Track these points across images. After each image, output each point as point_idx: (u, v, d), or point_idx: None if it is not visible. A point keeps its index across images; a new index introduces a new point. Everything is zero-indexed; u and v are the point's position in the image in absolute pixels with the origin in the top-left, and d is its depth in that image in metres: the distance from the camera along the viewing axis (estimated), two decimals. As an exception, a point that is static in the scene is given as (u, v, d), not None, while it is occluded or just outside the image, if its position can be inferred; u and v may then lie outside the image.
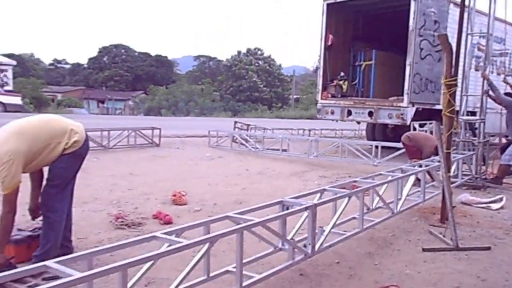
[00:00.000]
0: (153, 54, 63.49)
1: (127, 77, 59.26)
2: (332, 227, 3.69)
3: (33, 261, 3.42)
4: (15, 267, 3.07)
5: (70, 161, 3.60)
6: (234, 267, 2.91)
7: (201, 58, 65.40)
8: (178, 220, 5.10)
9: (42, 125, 3.57)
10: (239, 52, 53.26)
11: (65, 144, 3.54)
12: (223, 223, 3.26)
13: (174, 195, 5.99)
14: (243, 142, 11.78)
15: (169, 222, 4.94)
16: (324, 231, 3.59)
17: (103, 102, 51.02)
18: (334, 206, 3.87)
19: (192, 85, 49.34)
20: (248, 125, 14.10)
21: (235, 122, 14.25)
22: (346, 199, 3.84)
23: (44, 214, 3.60)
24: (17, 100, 26.54)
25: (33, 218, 3.81)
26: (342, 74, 12.27)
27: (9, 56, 37.55)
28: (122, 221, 4.85)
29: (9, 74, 30.56)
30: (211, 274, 2.95)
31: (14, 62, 33.72)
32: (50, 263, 2.23)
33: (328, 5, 11.89)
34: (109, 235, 4.52)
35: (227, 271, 3.12)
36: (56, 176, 3.56)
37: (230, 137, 12.11)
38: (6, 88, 28.99)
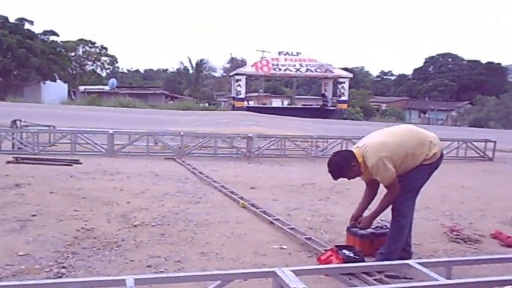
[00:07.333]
0: (484, 61, 59.45)
1: (451, 86, 57.69)
2: None
3: (377, 258, 3.69)
4: (364, 260, 3.55)
5: (425, 172, 3.70)
6: None
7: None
8: (524, 246, 4.66)
9: (406, 134, 3.72)
10: None
11: (425, 155, 3.63)
12: None
13: (519, 217, 5.46)
14: None
15: (512, 246, 4.54)
16: None
17: (424, 113, 51.90)
18: None
19: (531, 94, 42.77)
20: None
21: None
22: None
23: (395, 218, 3.72)
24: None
25: (350, 226, 3.95)
26: None
27: (344, 70, 42.11)
28: (457, 235, 4.75)
29: (346, 86, 37.29)
30: None
31: (350, 75, 39.95)
32: (413, 263, 2.32)
33: None
34: (444, 246, 4.50)
35: None
36: (411, 185, 3.68)
37: None
38: (342, 98, 36.40)
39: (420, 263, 2.20)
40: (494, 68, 57.92)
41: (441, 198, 6.61)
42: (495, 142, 11.16)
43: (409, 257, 3.77)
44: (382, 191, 3.76)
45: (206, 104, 42.74)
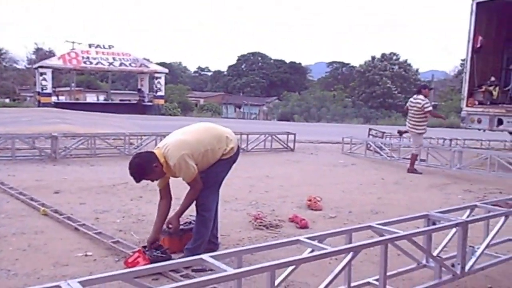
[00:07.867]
0: (287, 61, 65.59)
1: (262, 83, 62.37)
2: (485, 248, 3.40)
3: (185, 253, 3.75)
4: (171, 258, 3.63)
5: (225, 166, 3.91)
6: (376, 280, 2.86)
7: (334, 64, 65.11)
8: (313, 225, 5.17)
9: (204, 131, 3.86)
10: (373, 58, 51.16)
11: (223, 150, 3.81)
12: (364, 233, 3.20)
13: (310, 200, 6.05)
14: (378, 150, 11.37)
15: (305, 227, 5.05)
16: (475, 251, 3.33)
17: (240, 107, 54.02)
18: (486, 225, 3.58)
19: (324, 91, 49.08)
20: (383, 132, 13.71)
21: (370, 129, 13.94)
22: (502, 218, 3.51)
23: (199, 213, 3.83)
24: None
25: (149, 249, 3.74)
26: (492, 79, 11.16)
27: (161, 64, 41.76)
28: (261, 222, 5.07)
29: (162, 81, 35.74)
30: (352, 284, 2.80)
31: (166, 70, 38.16)
32: (206, 257, 2.31)
33: (478, 4, 10.76)
34: (249, 234, 4.74)
35: (368, 283, 3.01)
36: (213, 179, 3.85)
37: (364, 145, 11.76)
38: (159, 93, 35.80)
39: (212, 256, 2.29)
40: (296, 68, 66.23)
41: (249, 188, 7.06)
42: (295, 134, 12.41)
43: (216, 249, 3.95)
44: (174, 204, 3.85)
45: (7, 100, 38.18)
